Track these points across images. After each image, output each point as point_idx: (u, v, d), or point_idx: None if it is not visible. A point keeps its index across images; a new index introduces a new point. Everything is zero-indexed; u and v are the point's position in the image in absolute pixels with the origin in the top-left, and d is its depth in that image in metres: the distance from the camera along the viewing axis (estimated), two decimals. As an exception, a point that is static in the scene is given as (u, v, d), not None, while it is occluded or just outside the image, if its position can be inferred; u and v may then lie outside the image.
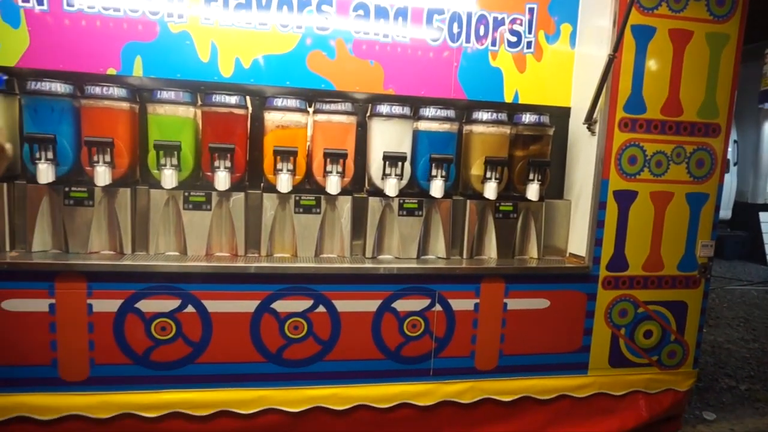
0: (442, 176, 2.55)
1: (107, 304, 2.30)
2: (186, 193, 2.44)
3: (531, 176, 2.64)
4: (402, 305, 2.54)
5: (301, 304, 2.45)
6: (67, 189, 2.32)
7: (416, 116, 2.60)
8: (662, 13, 2.54)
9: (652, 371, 2.83)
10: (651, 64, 2.58)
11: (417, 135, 2.61)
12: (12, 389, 2.26)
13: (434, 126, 2.59)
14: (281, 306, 2.43)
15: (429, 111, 2.58)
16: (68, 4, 2.34)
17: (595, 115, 2.61)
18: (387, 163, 2.49)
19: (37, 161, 2.21)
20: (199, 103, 2.44)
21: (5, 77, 2.29)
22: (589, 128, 2.65)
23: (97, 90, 2.30)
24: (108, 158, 2.29)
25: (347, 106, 2.51)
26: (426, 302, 2.56)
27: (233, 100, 2.41)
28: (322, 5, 2.53)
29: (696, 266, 2.79)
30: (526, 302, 2.66)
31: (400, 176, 2.52)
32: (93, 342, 2.30)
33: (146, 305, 2.32)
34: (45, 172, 2.21)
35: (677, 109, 2.64)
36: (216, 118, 2.42)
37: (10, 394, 2.25)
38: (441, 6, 2.62)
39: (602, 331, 2.75)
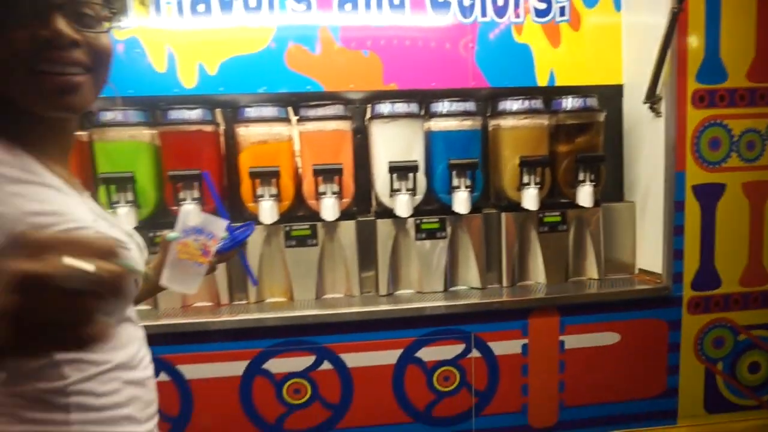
0: (466, 186, 2.02)
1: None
2: (151, 234, 1.97)
3: (581, 176, 2.07)
4: (429, 354, 2.00)
5: (303, 361, 1.95)
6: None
7: (427, 114, 2.07)
8: (738, -52, 1.95)
9: (763, 415, 2.18)
10: (729, 16, 1.97)
11: (430, 137, 2.08)
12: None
13: (451, 124, 2.06)
14: (275, 366, 1.94)
15: (443, 106, 2.06)
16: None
17: (658, 91, 2.02)
18: (394, 175, 1.98)
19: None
20: (157, 122, 1.98)
21: None
22: (651, 108, 2.06)
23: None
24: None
25: (338, 110, 2.00)
26: (460, 348, 2.01)
27: (195, 115, 1.94)
28: (299, -15, 2.05)
29: (812, 275, 2.14)
30: (589, 338, 2.07)
31: (413, 191, 2.00)
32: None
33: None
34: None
35: (770, 72, 2.02)
36: (177, 139, 1.96)
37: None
38: (447, -25, 2.10)
39: (693, 368, 2.13)
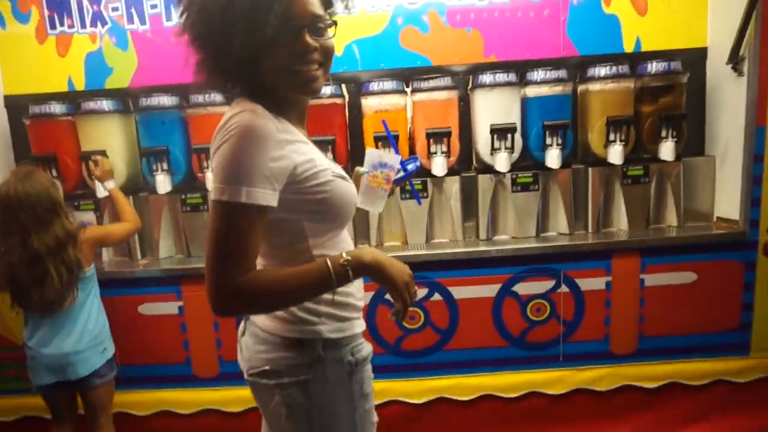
0: (558, 144, 2.31)
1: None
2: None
3: (663, 133, 2.30)
4: (524, 288, 2.35)
5: (418, 293, 2.35)
6: (183, 197, 2.42)
7: (523, 82, 2.37)
8: None
9: (835, 350, 2.38)
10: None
11: (526, 102, 2.38)
12: (154, 386, 2.42)
13: (544, 90, 2.34)
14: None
15: (537, 74, 2.34)
16: (167, 19, 2.42)
17: (742, 52, 2.20)
18: (495, 136, 2.31)
19: (154, 173, 2.33)
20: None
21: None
22: (734, 68, 2.24)
23: (200, 98, 2.35)
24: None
25: (446, 81, 2.34)
26: (550, 283, 2.35)
27: (328, 90, 2.35)
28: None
29: None
30: (668, 277, 2.34)
31: (511, 149, 2.32)
32: (219, 340, 2.40)
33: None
34: (162, 183, 2.32)
35: None
36: (313, 111, 2.37)
37: (153, 390, 2.42)
38: (540, -46, 2.35)
39: (766, 306, 2.35)
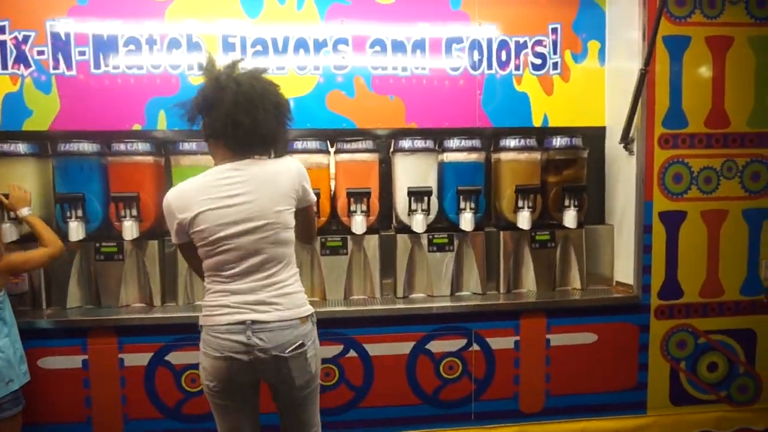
0: (471, 208, 2.45)
1: (139, 358, 2.30)
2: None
3: (567, 202, 2.50)
4: (437, 346, 2.42)
5: (332, 350, 2.37)
6: (97, 245, 2.37)
7: (441, 148, 2.52)
8: (696, 21, 2.39)
9: (721, 408, 2.56)
10: (689, 75, 2.41)
11: (443, 167, 2.52)
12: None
13: (460, 157, 2.50)
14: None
15: (453, 142, 2.50)
16: (95, 67, 2.43)
17: (631, 134, 2.45)
18: (412, 198, 2.42)
19: (68, 219, 2.27)
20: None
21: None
22: (626, 148, 2.49)
23: (122, 146, 2.35)
24: (135, 212, 2.32)
25: (368, 144, 2.46)
26: (462, 342, 2.43)
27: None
28: (338, 45, 2.52)
29: (761, 289, 2.53)
30: (571, 337, 2.48)
31: (427, 211, 2.43)
32: (125, 397, 2.29)
33: (175, 357, 2.31)
34: (75, 230, 2.27)
35: (723, 121, 2.45)
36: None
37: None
38: (459, 35, 2.56)
39: (659, 366, 2.52)
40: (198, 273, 1.84)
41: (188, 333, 2.30)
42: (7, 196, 2.20)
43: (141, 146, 2.37)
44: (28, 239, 2.24)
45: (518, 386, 2.47)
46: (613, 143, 2.63)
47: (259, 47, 2.48)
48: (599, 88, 2.66)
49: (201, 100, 1.72)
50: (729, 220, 2.48)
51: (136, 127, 2.46)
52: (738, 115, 2.45)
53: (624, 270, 2.57)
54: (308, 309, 1.74)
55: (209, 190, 1.68)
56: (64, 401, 2.27)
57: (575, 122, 2.65)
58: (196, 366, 2.25)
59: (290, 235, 1.72)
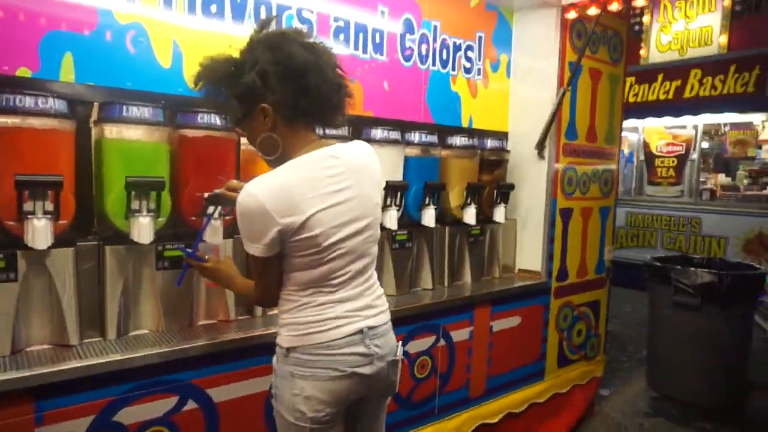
0: (433, 204, 2.44)
1: (72, 426, 1.51)
2: (159, 247, 1.77)
3: (498, 200, 2.73)
4: (413, 346, 2.33)
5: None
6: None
7: (404, 141, 2.42)
8: (587, 54, 2.93)
9: (582, 365, 3.22)
10: (580, 97, 2.95)
11: (407, 162, 2.43)
12: None
13: (421, 152, 2.46)
14: None
15: (416, 136, 2.44)
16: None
17: (546, 142, 2.85)
18: (387, 193, 2.27)
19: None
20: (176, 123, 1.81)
21: None
22: (539, 153, 2.88)
23: (17, 100, 1.50)
24: (50, 206, 1.52)
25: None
26: (432, 339, 2.41)
27: (220, 121, 1.86)
28: (302, 12, 2.15)
29: (604, 268, 3.29)
30: (506, 322, 2.73)
31: (399, 206, 2.32)
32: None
33: (129, 415, 1.61)
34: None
35: (594, 137, 3.08)
36: (200, 144, 1.83)
37: None
38: (412, 26, 2.50)
39: (553, 338, 3.01)
40: (271, 291, 1.43)
41: (146, 378, 1.64)
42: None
43: (53, 102, 1.55)
44: None
45: (470, 374, 2.59)
46: (516, 147, 2.98)
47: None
48: (505, 98, 2.98)
49: (286, 68, 1.35)
50: (593, 215, 3.15)
51: (23, 72, 1.60)
52: (601, 133, 3.13)
53: (528, 259, 2.96)
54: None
55: (315, 185, 1.36)
56: None
57: (490, 126, 2.91)
58: (161, 422, 1.65)
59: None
